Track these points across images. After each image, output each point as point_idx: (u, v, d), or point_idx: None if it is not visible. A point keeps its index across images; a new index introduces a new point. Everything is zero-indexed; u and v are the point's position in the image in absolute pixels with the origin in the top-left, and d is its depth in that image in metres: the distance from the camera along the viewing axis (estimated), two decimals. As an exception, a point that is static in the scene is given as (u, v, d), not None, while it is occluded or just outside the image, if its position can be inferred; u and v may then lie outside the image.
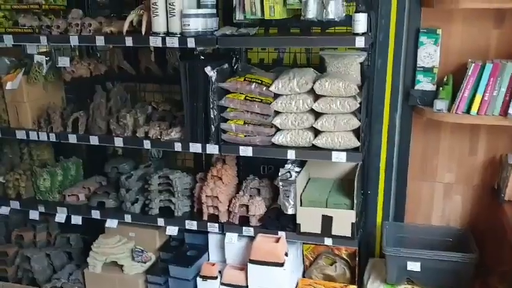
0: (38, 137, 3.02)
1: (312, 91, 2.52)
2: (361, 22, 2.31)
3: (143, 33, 2.64)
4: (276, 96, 2.57)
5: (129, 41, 2.65)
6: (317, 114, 2.54)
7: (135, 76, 3.30)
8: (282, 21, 2.59)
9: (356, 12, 2.31)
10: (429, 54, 2.71)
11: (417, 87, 2.78)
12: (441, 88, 2.67)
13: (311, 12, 2.42)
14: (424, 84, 2.76)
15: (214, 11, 2.72)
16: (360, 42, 2.30)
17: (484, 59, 2.63)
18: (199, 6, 2.69)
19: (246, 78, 2.64)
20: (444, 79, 2.68)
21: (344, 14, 2.43)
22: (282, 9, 2.50)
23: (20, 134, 3.06)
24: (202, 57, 2.95)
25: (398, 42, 2.78)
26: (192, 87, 2.66)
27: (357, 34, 2.32)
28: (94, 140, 2.93)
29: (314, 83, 2.50)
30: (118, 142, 2.89)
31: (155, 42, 2.61)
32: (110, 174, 3.30)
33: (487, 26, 2.65)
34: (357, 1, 2.52)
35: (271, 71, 2.87)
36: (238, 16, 2.64)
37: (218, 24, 2.78)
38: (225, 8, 2.90)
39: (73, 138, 2.97)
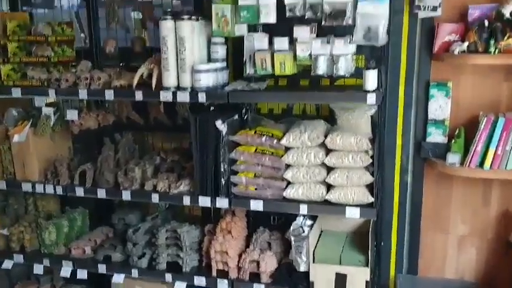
0: (45, 190, 3.01)
1: (324, 144, 2.53)
2: (372, 79, 2.34)
3: (153, 87, 2.68)
4: (287, 149, 2.59)
5: (139, 95, 2.68)
6: (329, 168, 2.54)
7: (144, 126, 3.32)
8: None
9: (366, 69, 2.35)
10: (440, 106, 2.74)
11: (428, 139, 2.80)
12: (453, 141, 2.68)
13: (321, 69, 2.46)
14: (436, 136, 2.78)
15: (224, 64, 2.77)
16: (371, 99, 2.32)
17: (496, 112, 2.65)
18: (209, 60, 2.74)
19: (257, 131, 2.65)
20: (456, 132, 2.70)
21: (354, 67, 2.47)
22: (293, 64, 2.54)
23: (26, 187, 3.06)
24: (212, 108, 2.98)
25: (408, 94, 2.82)
26: (202, 140, 2.67)
27: (368, 91, 2.35)
28: (101, 193, 2.92)
29: (326, 137, 2.51)
30: (126, 195, 2.88)
31: (166, 97, 2.63)
32: (117, 226, 3.28)
33: (497, 79, 2.68)
34: (368, 56, 2.56)
35: (281, 121, 2.90)
36: (249, 70, 2.68)
37: (228, 77, 2.83)
38: (235, 62, 2.95)
39: (80, 191, 2.96)
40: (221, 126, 2.61)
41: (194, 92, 2.57)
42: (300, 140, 2.53)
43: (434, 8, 2.55)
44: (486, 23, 2.45)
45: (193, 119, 2.68)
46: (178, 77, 2.63)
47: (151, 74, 2.71)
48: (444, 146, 2.75)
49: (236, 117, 2.82)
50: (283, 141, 2.56)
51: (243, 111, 2.92)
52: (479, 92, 2.73)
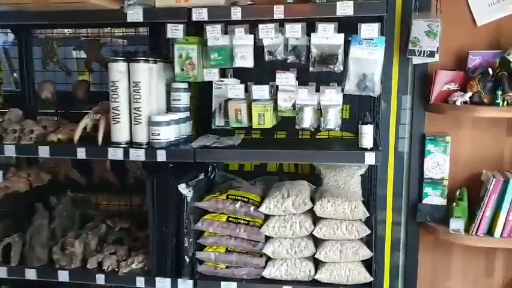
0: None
1: (311, 211, 2.15)
2: (369, 135, 2.01)
3: (99, 142, 2.23)
4: (267, 217, 2.18)
5: (81, 153, 2.21)
6: (318, 240, 2.15)
7: (86, 186, 2.81)
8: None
9: (362, 123, 2.02)
10: (437, 164, 2.45)
11: (425, 201, 2.48)
12: (454, 204, 2.38)
13: (307, 122, 2.12)
14: (433, 198, 2.47)
15: (187, 114, 2.37)
16: (370, 158, 1.99)
17: (499, 169, 2.39)
18: (169, 109, 2.34)
19: (229, 195, 2.23)
20: (457, 193, 2.40)
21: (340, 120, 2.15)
22: (273, 116, 2.18)
23: None
24: (171, 165, 2.54)
25: (399, 150, 2.51)
26: (161, 207, 2.21)
27: (366, 149, 2.01)
28: (30, 274, 2.36)
29: (314, 202, 2.14)
30: (63, 276, 2.34)
31: (115, 155, 2.18)
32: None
33: (499, 133, 2.44)
34: (354, 107, 2.27)
35: (255, 181, 2.51)
36: (218, 122, 2.29)
37: (191, 128, 2.43)
38: (199, 112, 2.56)
39: (2, 272, 2.39)
40: (185, 190, 2.17)
41: (151, 149, 2.15)
42: (283, 207, 2.13)
43: (431, 54, 2.29)
44: (490, 71, 2.21)
45: (149, 181, 2.23)
46: (131, 130, 2.20)
47: (97, 126, 2.27)
48: (444, 209, 2.44)
49: (201, 176, 2.40)
50: (263, 209, 2.15)
51: (209, 168, 2.51)
52: (480, 147, 2.47)
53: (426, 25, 2.29)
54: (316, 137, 2.53)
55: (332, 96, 2.06)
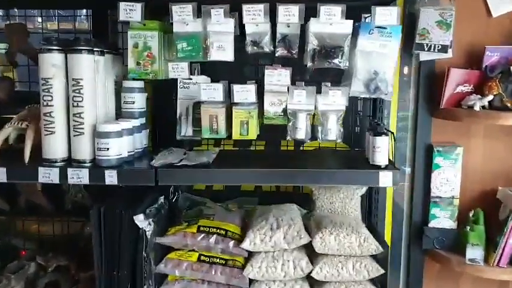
0: None
1: (307, 246, 1.71)
2: (383, 149, 1.60)
3: (26, 159, 1.68)
4: (250, 255, 1.72)
5: (2, 175, 1.65)
6: (317, 282, 1.71)
7: (11, 212, 2.21)
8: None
9: (375, 134, 1.60)
10: (447, 180, 2.07)
11: (432, 224, 2.10)
12: (468, 228, 2.01)
13: (302, 131, 1.67)
14: (442, 220, 2.09)
15: (143, 120, 1.87)
16: (385, 179, 1.57)
17: (517, 185, 2.06)
18: (120, 114, 1.82)
19: (201, 228, 1.75)
20: (470, 214, 2.04)
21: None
22: (257, 125, 1.71)
23: None
24: (122, 185, 2.01)
25: (400, 163, 2.11)
26: (110, 244, 1.70)
27: (380, 167, 1.60)
28: None
29: (312, 236, 1.69)
30: None
31: (47, 176, 1.64)
32: None
33: (514, 143, 2.11)
34: (374, 119, 1.86)
35: (227, 204, 2.03)
36: (185, 131, 1.80)
37: (148, 139, 1.93)
38: (158, 118, 2.05)
39: None
40: (143, 222, 1.67)
41: (97, 168, 1.63)
42: (272, 241, 1.67)
43: (443, 48, 1.91)
44: (513, 70, 1.86)
45: (95, 210, 1.71)
46: (69, 144, 1.68)
47: (23, 137, 1.72)
48: (454, 234, 2.07)
49: (162, 200, 1.90)
50: (246, 244, 1.68)
51: (171, 189, 2.01)
52: (494, 159, 2.11)
53: (437, 14, 1.91)
54: (304, 148, 2.09)
55: (336, 99, 1.62)
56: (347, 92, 1.62)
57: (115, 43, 1.97)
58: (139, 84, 1.82)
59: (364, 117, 2.08)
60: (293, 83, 1.69)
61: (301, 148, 2.11)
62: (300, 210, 1.90)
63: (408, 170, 2.14)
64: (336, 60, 1.59)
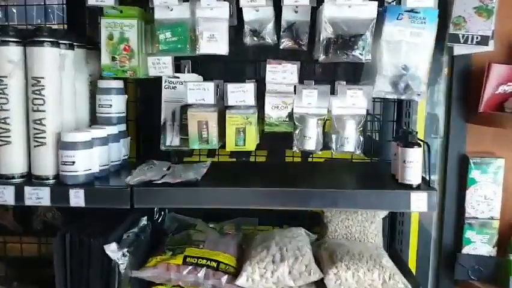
0: None
1: (318, 282, 1.39)
2: (417, 165, 1.27)
3: (-25, 176, 1.38)
4: (248, 292, 1.40)
5: None
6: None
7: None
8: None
9: (406, 145, 1.28)
10: (485, 197, 1.74)
11: (466, 250, 1.77)
12: (511, 255, 1.68)
13: (312, 141, 1.36)
14: (478, 245, 1.77)
15: (123, 127, 1.57)
16: (419, 202, 1.25)
17: None
18: (95, 120, 1.52)
19: (188, 258, 1.43)
20: (514, 239, 1.71)
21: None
22: (256, 133, 1.40)
23: None
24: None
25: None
26: (78, 280, 1.40)
27: (411, 186, 1.28)
28: None
29: (324, 271, 1.37)
30: None
31: (1, 197, 1.34)
32: None
33: None
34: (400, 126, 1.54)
35: (222, 226, 1.72)
36: (170, 140, 1.49)
37: (129, 148, 1.62)
38: (142, 124, 1.75)
39: None
40: (116, 253, 1.36)
41: (61, 186, 1.32)
42: (274, 277, 1.36)
43: (483, 40, 1.59)
44: None
45: (59, 238, 1.41)
46: (29, 157, 1.37)
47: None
48: (494, 262, 1.74)
49: (144, 222, 1.59)
50: (242, 281, 1.37)
51: (156, 208, 1.70)
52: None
53: (476, -1, 1.59)
54: (313, 159, 1.78)
55: (355, 101, 1.31)
56: (370, 92, 1.30)
57: (92, 37, 1.67)
58: (117, 84, 1.53)
59: (385, 122, 1.76)
60: (301, 81, 1.37)
61: (309, 159, 1.79)
62: (308, 236, 1.58)
63: (437, 185, 1.82)
64: (356, 53, 1.27)
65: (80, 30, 1.74)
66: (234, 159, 1.80)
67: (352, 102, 1.30)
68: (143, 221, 1.61)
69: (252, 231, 1.68)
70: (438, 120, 1.81)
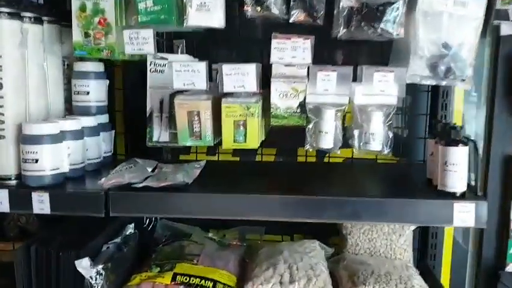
0: None
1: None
2: (461, 168, 1.01)
3: None
4: (249, 320, 1.16)
5: None
6: None
7: None
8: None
9: (449, 144, 1.01)
10: (535, 206, 1.47)
11: (510, 267, 1.51)
12: None
13: (329, 137, 1.10)
14: (526, 263, 1.50)
15: (104, 118, 1.33)
16: (464, 215, 1.00)
17: None
18: (71, 110, 1.29)
19: (178, 277, 1.19)
20: None
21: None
22: (261, 126, 1.15)
23: None
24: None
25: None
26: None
27: (455, 195, 1.01)
28: None
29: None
30: None
31: None
32: None
33: None
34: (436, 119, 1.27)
35: (224, 235, 1.47)
36: (158, 135, 1.25)
37: (112, 144, 1.39)
38: (128, 108, 1.52)
39: None
40: (88, 271, 1.12)
41: (22, 188, 1.09)
42: (282, 304, 1.11)
43: (538, 16, 1.32)
44: None
45: (21, 249, 1.18)
46: (-14, 152, 1.14)
47: None
48: (545, 283, 1.47)
49: (130, 231, 1.36)
50: (242, 307, 1.13)
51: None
52: None
53: (530, -34, 1.32)
54: (329, 160, 1.52)
55: (385, 87, 1.04)
56: (403, 76, 1.04)
57: (66, 9, 1.43)
58: (95, 66, 1.29)
59: (415, 115, 1.49)
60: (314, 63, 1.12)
61: (325, 159, 1.53)
62: (323, 250, 1.32)
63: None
64: (387, 26, 1.01)
65: (57, 3, 1.50)
66: (237, 158, 1.56)
67: (380, 89, 1.04)
68: (130, 228, 1.38)
69: (258, 242, 1.43)
70: (481, 116, 1.54)
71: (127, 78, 1.51)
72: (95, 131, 1.28)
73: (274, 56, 1.05)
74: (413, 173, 1.29)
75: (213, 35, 1.23)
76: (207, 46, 1.40)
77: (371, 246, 1.33)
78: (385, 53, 1.28)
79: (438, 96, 1.38)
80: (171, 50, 1.40)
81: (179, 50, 1.38)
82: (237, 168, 1.46)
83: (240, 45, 1.39)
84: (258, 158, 1.55)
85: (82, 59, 1.27)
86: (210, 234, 1.47)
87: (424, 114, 1.46)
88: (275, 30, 1.14)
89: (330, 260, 1.30)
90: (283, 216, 1.06)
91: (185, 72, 1.06)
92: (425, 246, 1.44)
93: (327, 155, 1.54)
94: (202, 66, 1.05)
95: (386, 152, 1.11)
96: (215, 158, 1.56)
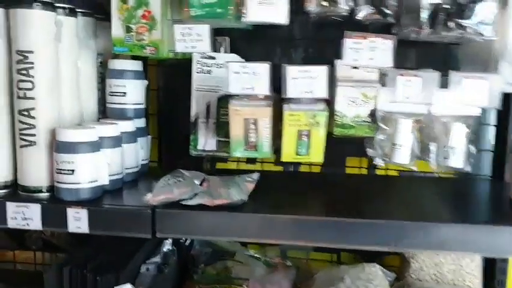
0: None
1: None
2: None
3: None
4: None
5: None
6: None
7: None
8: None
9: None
10: None
11: None
12: None
13: (404, 152, 0.97)
14: None
15: (142, 123, 1.21)
16: None
17: None
18: (104, 112, 1.17)
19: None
20: None
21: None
22: (323, 139, 1.02)
23: None
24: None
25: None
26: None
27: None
28: None
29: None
30: None
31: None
32: None
33: None
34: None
35: (270, 252, 1.35)
36: (204, 143, 1.12)
37: (150, 150, 1.26)
38: (165, 112, 1.39)
39: None
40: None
41: (55, 204, 0.97)
42: None
43: None
44: None
45: (51, 271, 1.05)
46: (14, 160, 1.02)
47: None
48: None
49: (168, 246, 1.23)
50: None
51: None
52: None
53: None
54: (378, 172, 1.38)
55: (475, 96, 0.91)
56: (498, 84, 0.90)
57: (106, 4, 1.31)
58: (134, 65, 1.16)
59: (483, 126, 1.34)
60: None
61: (375, 171, 1.40)
62: (385, 275, 1.19)
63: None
64: (479, 26, 0.87)
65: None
66: (280, 168, 1.43)
67: (472, 98, 0.90)
68: (168, 245, 1.25)
69: (305, 261, 1.30)
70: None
71: (163, 79, 1.39)
72: (133, 136, 1.15)
73: (348, 58, 0.91)
74: (486, 192, 1.16)
75: (262, 31, 1.10)
76: (254, 45, 1.27)
77: (437, 272, 1.19)
78: (448, 59, 1.15)
79: (510, 105, 1.25)
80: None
81: (221, 49, 1.26)
82: (283, 180, 1.32)
83: (295, 44, 1.26)
84: (302, 169, 1.42)
85: (117, 55, 1.16)
86: (252, 251, 1.35)
87: (489, 124, 1.32)
88: (333, 26, 1.01)
89: (393, 286, 1.17)
90: (356, 243, 0.91)
91: (244, 74, 0.93)
92: (493, 271, 1.30)
93: (377, 166, 1.41)
94: (264, 69, 0.92)
95: (467, 169, 0.98)
96: (255, 166, 1.44)
